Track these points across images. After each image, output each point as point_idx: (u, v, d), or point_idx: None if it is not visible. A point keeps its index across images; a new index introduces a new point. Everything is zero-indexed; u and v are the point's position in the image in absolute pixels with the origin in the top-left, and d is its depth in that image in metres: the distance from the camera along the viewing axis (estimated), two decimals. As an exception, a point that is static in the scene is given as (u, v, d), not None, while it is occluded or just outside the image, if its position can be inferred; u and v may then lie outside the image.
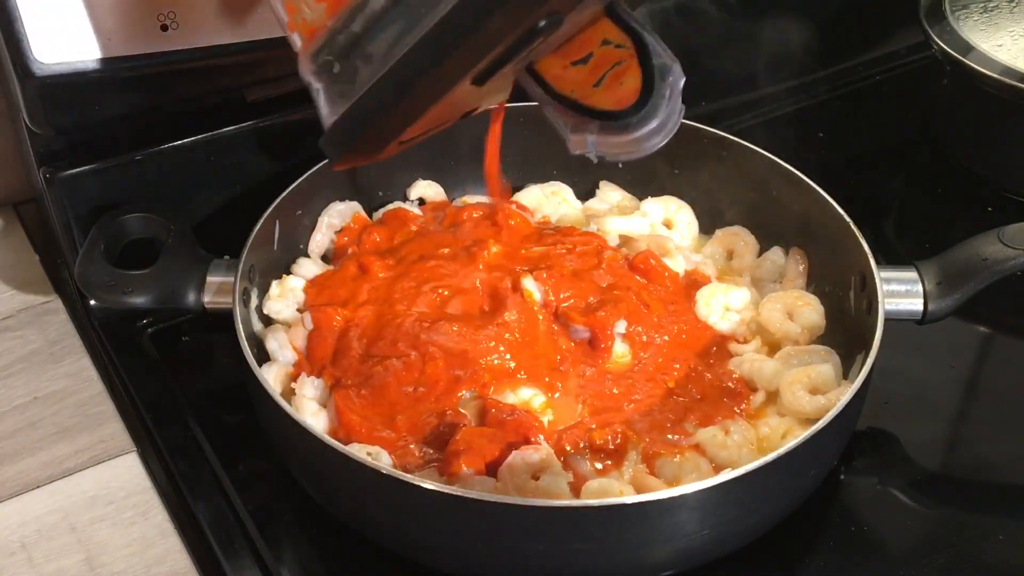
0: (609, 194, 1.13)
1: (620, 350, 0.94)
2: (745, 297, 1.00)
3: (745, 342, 0.97)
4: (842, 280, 0.97)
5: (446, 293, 0.96)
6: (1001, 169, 1.23)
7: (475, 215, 1.06)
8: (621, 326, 0.94)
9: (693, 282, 1.02)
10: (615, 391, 0.91)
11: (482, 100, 0.82)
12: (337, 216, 1.07)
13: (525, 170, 1.14)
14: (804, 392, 0.89)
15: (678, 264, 1.03)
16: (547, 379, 0.91)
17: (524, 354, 0.92)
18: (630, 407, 0.90)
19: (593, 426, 0.88)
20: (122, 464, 0.92)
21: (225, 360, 1.01)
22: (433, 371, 0.90)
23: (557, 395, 0.91)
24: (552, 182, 1.14)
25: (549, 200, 1.12)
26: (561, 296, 0.96)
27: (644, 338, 0.95)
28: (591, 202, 1.13)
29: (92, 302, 1.03)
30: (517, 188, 1.13)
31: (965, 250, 0.94)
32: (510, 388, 0.90)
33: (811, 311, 0.96)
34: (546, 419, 0.89)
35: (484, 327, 0.93)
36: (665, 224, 1.09)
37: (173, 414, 0.97)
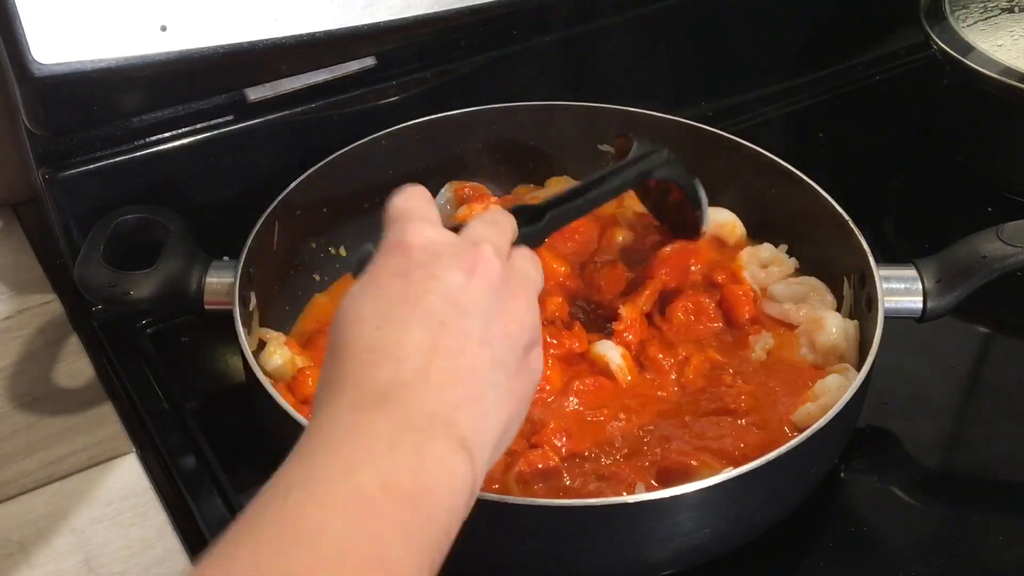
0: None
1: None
2: None
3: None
4: (841, 279, 0.97)
5: None
6: (1001, 169, 1.22)
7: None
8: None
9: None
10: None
11: None
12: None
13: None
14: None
15: None
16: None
17: None
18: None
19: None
20: (121, 465, 0.92)
21: (225, 360, 1.01)
22: None
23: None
24: None
25: None
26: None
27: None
28: None
29: (92, 303, 1.03)
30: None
31: (964, 248, 0.94)
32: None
33: (825, 335, 0.93)
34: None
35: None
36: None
37: (173, 414, 0.97)
